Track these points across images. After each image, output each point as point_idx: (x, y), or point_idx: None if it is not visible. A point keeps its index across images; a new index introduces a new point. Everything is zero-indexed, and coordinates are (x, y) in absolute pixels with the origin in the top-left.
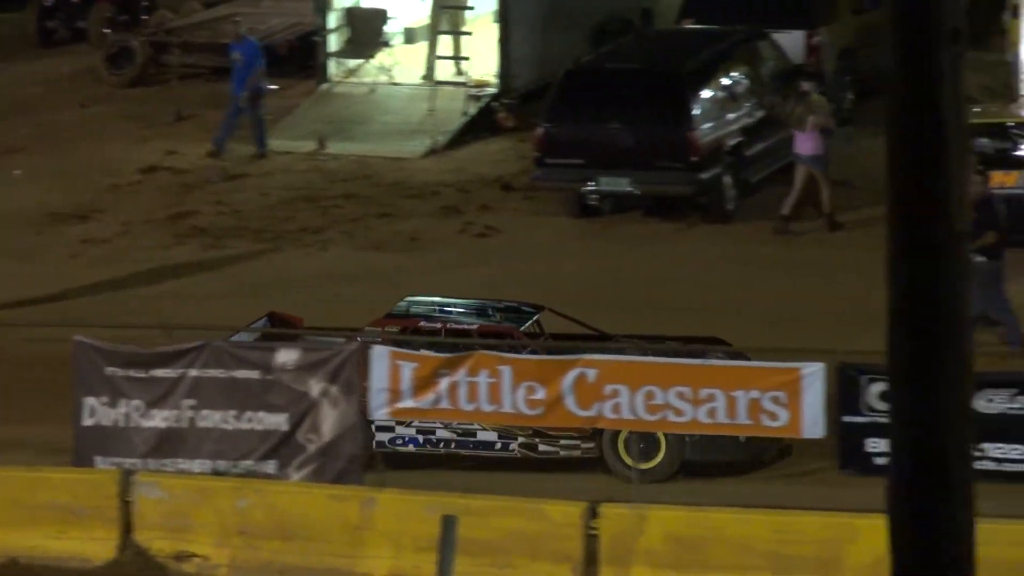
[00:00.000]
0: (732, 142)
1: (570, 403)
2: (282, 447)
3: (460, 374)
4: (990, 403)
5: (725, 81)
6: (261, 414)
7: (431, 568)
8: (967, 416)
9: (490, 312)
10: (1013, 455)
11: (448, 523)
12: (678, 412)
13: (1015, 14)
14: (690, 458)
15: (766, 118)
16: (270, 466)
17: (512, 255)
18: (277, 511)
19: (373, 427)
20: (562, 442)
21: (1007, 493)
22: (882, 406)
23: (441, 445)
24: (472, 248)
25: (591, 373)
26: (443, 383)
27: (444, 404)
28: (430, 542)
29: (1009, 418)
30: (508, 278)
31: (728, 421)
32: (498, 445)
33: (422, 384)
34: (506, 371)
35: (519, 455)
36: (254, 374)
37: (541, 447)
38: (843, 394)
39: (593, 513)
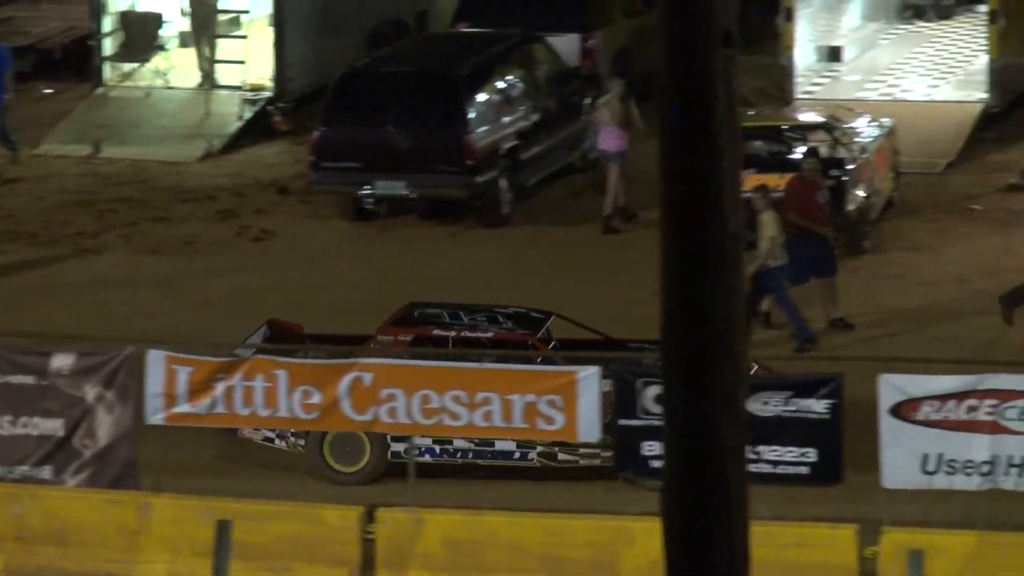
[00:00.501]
0: (508, 145)
1: (346, 407)
2: (58, 452)
3: (236, 378)
4: (765, 406)
5: (500, 84)
6: (37, 419)
7: (207, 572)
8: (741, 418)
9: (500, 319)
10: (788, 457)
11: (223, 528)
12: (454, 416)
13: (788, 17)
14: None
15: (541, 121)
16: (46, 471)
17: (288, 258)
18: (53, 516)
19: (388, 438)
20: (581, 451)
21: (783, 495)
22: (658, 409)
23: (459, 455)
24: (248, 252)
25: (367, 377)
26: (219, 388)
27: (220, 409)
28: (206, 547)
29: (784, 420)
30: (283, 281)
31: (504, 425)
32: (516, 454)
33: (198, 389)
34: (282, 375)
35: (538, 464)
36: (29, 379)
37: (560, 456)
38: (619, 397)
39: (370, 517)
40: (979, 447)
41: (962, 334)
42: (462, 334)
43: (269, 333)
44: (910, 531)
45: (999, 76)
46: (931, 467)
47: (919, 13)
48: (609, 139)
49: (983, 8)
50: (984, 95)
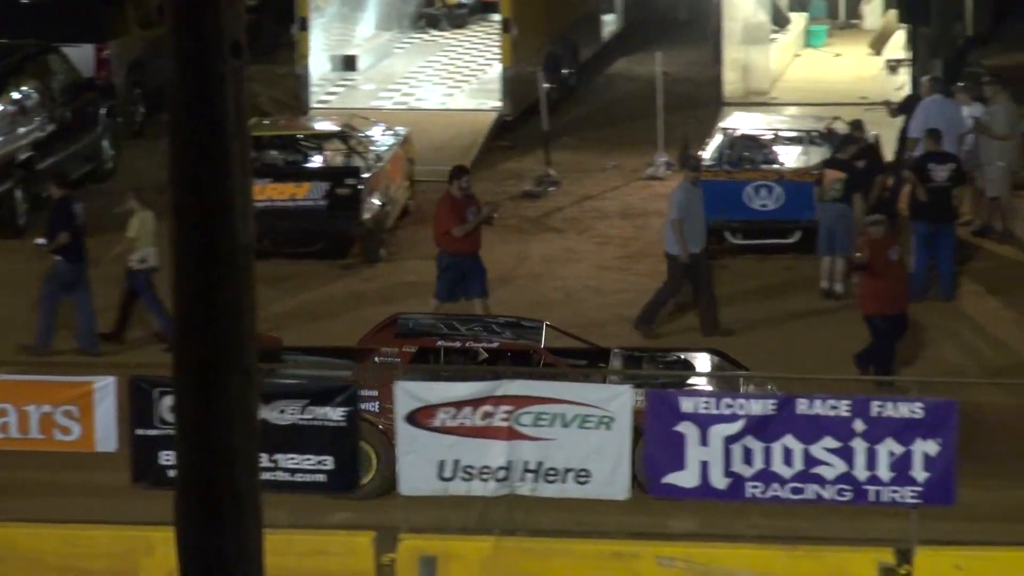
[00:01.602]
0: (23, 156)
1: None
2: None
3: None
4: (282, 414)
5: (14, 95)
6: None
7: None
8: (253, 426)
9: (496, 328)
10: (306, 465)
11: None
12: None
13: (303, 27)
14: None
15: (57, 131)
16: None
17: None
18: None
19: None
20: None
21: (300, 503)
22: (173, 418)
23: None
24: None
25: None
26: None
27: None
28: None
29: (301, 428)
30: None
31: (21, 436)
32: None
33: None
34: None
35: None
36: None
37: None
38: (136, 407)
39: None
40: (495, 453)
41: None
42: (467, 344)
43: None
44: (427, 537)
45: (512, 85)
46: (448, 473)
47: (433, 22)
48: None
49: (496, 17)
50: (498, 103)
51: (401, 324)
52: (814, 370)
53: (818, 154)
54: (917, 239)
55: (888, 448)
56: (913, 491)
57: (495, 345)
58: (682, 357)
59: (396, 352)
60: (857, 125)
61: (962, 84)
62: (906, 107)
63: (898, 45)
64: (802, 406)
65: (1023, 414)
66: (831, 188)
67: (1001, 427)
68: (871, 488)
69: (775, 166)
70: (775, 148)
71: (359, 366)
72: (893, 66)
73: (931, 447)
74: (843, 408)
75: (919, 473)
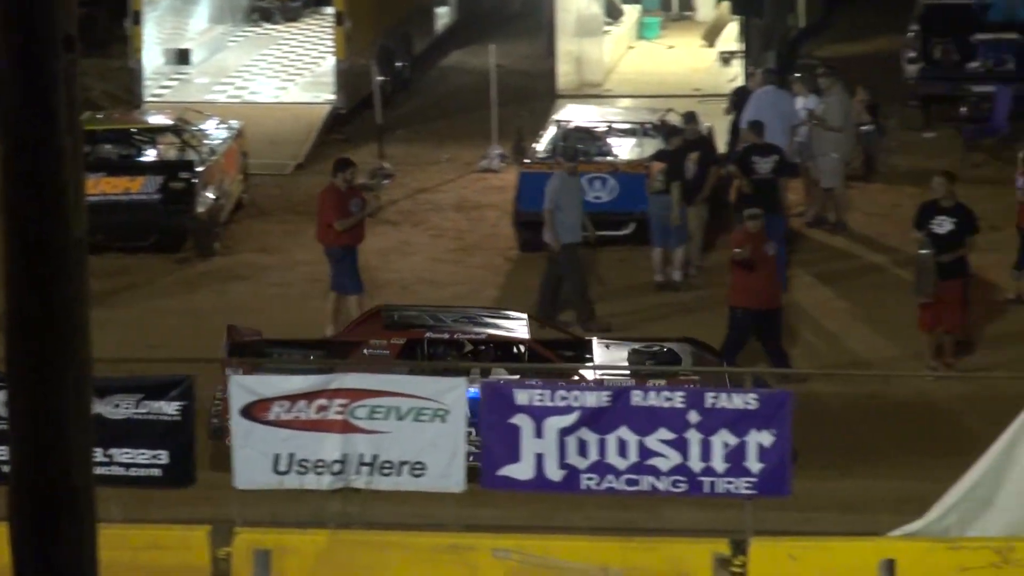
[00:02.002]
0: None
1: None
2: None
3: None
4: (116, 408)
5: None
6: None
7: None
8: (87, 421)
9: (481, 320)
10: (141, 460)
11: None
12: None
13: (136, 20)
14: None
15: None
16: None
17: None
18: None
19: None
20: None
21: (135, 497)
22: (5, 413)
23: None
24: None
25: None
26: None
27: None
28: None
29: (135, 423)
30: None
31: None
32: None
33: None
34: None
35: None
36: None
37: None
38: None
39: None
40: (330, 446)
41: (315, 333)
42: (455, 336)
43: (228, 341)
44: (263, 531)
45: (346, 78)
46: (283, 467)
47: (266, 16)
48: None
49: (329, 11)
50: (331, 97)
51: (386, 316)
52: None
53: (651, 146)
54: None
55: (723, 439)
56: (748, 482)
57: (483, 337)
58: (665, 348)
59: (385, 344)
60: (691, 117)
61: (799, 75)
62: (736, 100)
63: (731, 37)
64: (636, 398)
65: (855, 405)
66: (655, 180)
67: (833, 418)
68: (706, 479)
69: (609, 158)
70: (609, 140)
71: (350, 359)
72: (726, 58)
73: (765, 438)
74: (677, 399)
75: (753, 464)
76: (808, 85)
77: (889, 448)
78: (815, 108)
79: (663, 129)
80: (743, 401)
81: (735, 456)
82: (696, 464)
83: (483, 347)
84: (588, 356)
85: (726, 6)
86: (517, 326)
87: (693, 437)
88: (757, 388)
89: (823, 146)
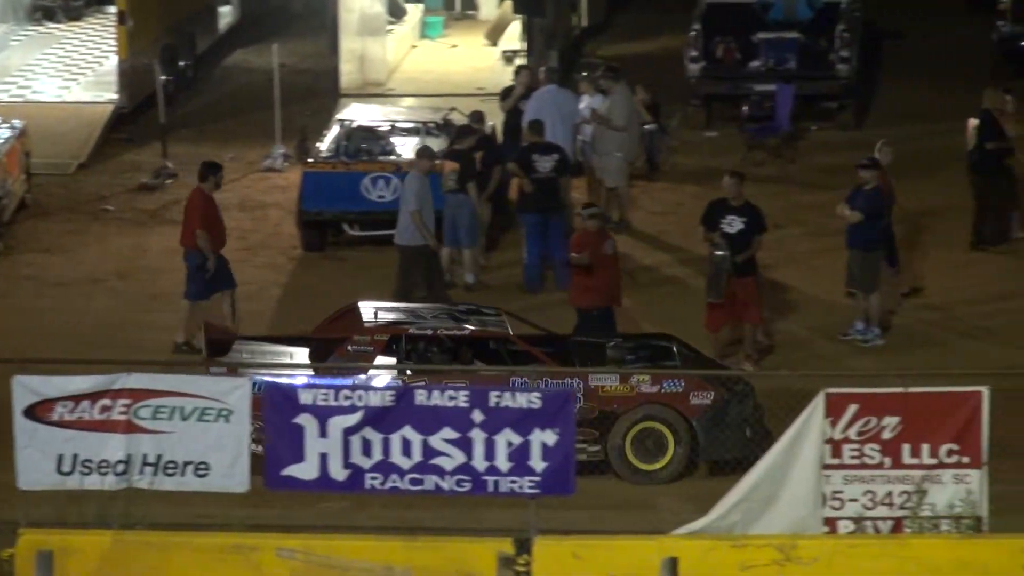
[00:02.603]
0: None
1: None
2: None
3: None
4: None
5: None
6: None
7: None
8: None
9: (458, 316)
10: None
11: None
12: None
13: None
14: None
15: None
16: None
17: None
18: None
19: None
20: None
21: None
22: None
23: None
24: None
25: None
26: None
27: None
28: None
29: None
30: None
31: None
32: None
33: None
34: None
35: None
36: None
37: None
38: None
39: None
40: (114, 447)
41: (98, 333)
42: (438, 332)
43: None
44: (45, 532)
45: (128, 77)
46: (67, 468)
47: (49, 15)
48: None
49: (112, 9)
50: (114, 96)
51: (365, 312)
52: None
53: (435, 145)
54: (528, 231)
55: (507, 438)
56: (532, 481)
57: (466, 332)
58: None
59: (369, 340)
60: (477, 116)
61: (584, 75)
62: (504, 97)
63: (514, 36)
64: (420, 397)
65: None
66: (448, 179)
67: None
68: (490, 478)
69: (392, 157)
70: (392, 139)
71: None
72: (509, 57)
73: (549, 437)
74: (461, 399)
75: (537, 463)
76: (593, 84)
77: None
78: (599, 107)
79: (451, 128)
80: (526, 400)
81: (519, 455)
82: (480, 463)
83: (465, 343)
84: (567, 350)
85: (508, 5)
86: (495, 322)
87: (477, 436)
88: (541, 389)
89: (607, 145)
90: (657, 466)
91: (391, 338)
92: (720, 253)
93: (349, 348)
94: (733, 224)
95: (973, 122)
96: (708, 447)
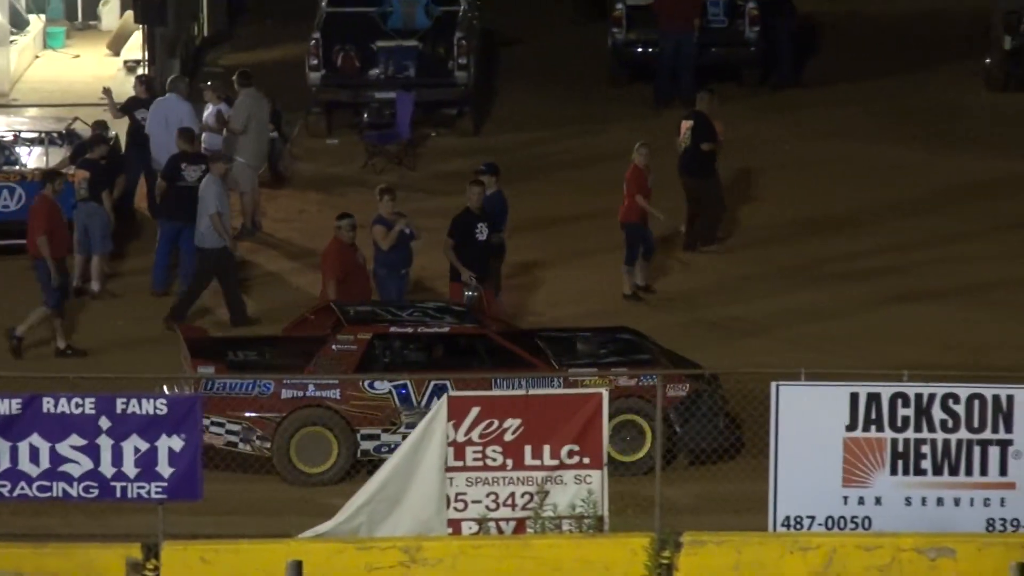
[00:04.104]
0: None
1: None
2: None
3: None
4: None
5: None
6: None
7: None
8: None
9: (431, 313)
10: None
11: None
12: None
13: None
14: None
15: None
16: None
17: None
18: None
19: (358, 436)
20: None
21: None
22: None
23: None
24: None
25: None
26: None
27: None
28: None
29: None
30: None
31: None
32: None
33: None
34: None
35: None
36: None
37: None
38: None
39: None
40: None
41: None
42: (419, 330)
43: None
44: None
45: None
46: None
47: None
48: None
49: None
50: None
51: (342, 312)
52: None
53: (59, 154)
54: (163, 235)
55: (134, 444)
56: (159, 487)
57: (446, 330)
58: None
59: (352, 339)
60: (100, 125)
61: (209, 83)
62: (128, 108)
63: (136, 45)
64: (48, 405)
65: None
66: (79, 188)
67: None
68: (118, 484)
69: (16, 167)
70: (16, 149)
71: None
72: (131, 66)
73: (176, 443)
74: (88, 406)
75: (164, 469)
76: (219, 92)
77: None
78: (224, 114)
79: (71, 137)
80: (152, 407)
81: (146, 461)
82: (108, 470)
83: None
84: (538, 347)
85: (130, 15)
86: (467, 319)
87: (104, 443)
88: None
89: (233, 151)
90: (635, 458)
91: (373, 336)
92: (469, 293)
93: (334, 347)
94: (483, 231)
95: (687, 123)
96: (685, 437)
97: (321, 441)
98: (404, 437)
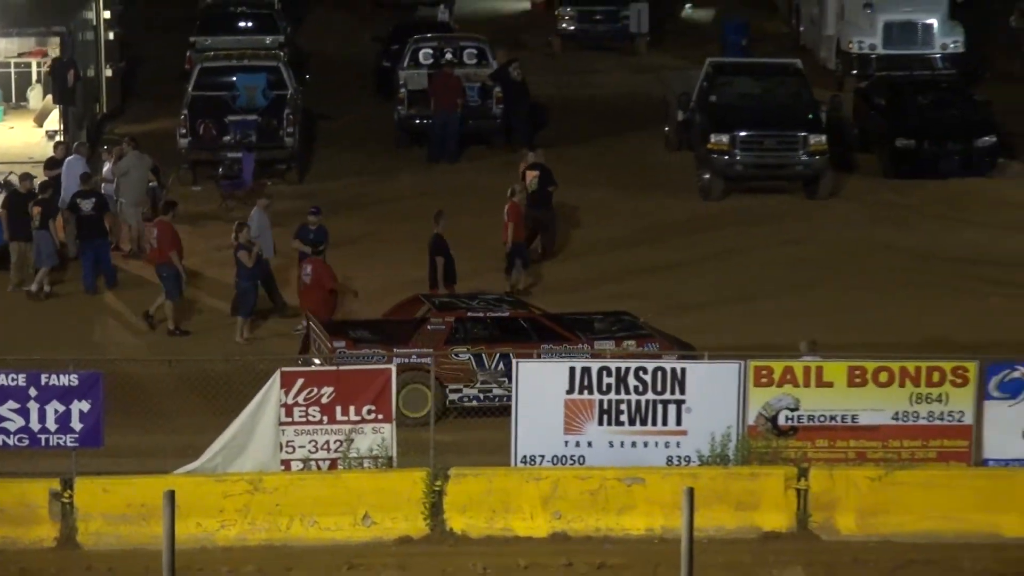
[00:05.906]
0: None
1: None
2: None
3: None
4: None
5: None
6: None
7: None
8: None
9: (492, 303)
10: None
11: None
12: None
13: None
14: None
15: None
16: None
17: None
18: None
19: (447, 390)
20: None
21: None
22: None
23: (496, 400)
24: None
25: None
26: None
27: None
28: None
29: None
30: None
31: None
32: None
33: None
34: None
35: None
36: None
37: None
38: None
39: None
40: None
41: None
42: (488, 315)
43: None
44: None
45: None
46: None
47: None
48: None
49: None
50: None
51: (428, 301)
52: None
53: None
54: (83, 251)
55: (54, 407)
56: (72, 437)
57: (507, 314)
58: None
59: (442, 322)
60: (25, 176)
61: (106, 147)
62: (48, 165)
63: (55, 119)
64: None
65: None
66: (35, 218)
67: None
68: (43, 436)
69: None
70: None
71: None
72: (51, 135)
73: (84, 406)
74: (21, 379)
75: (76, 424)
76: (114, 153)
77: (175, 413)
78: (115, 169)
79: (5, 187)
80: (67, 380)
81: (63, 419)
82: (35, 425)
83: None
84: (570, 325)
85: (50, 97)
86: (520, 307)
87: (32, 407)
88: (80, 371)
89: (123, 195)
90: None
91: (456, 319)
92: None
93: (429, 327)
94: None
95: (532, 172)
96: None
97: (420, 394)
98: (479, 391)
